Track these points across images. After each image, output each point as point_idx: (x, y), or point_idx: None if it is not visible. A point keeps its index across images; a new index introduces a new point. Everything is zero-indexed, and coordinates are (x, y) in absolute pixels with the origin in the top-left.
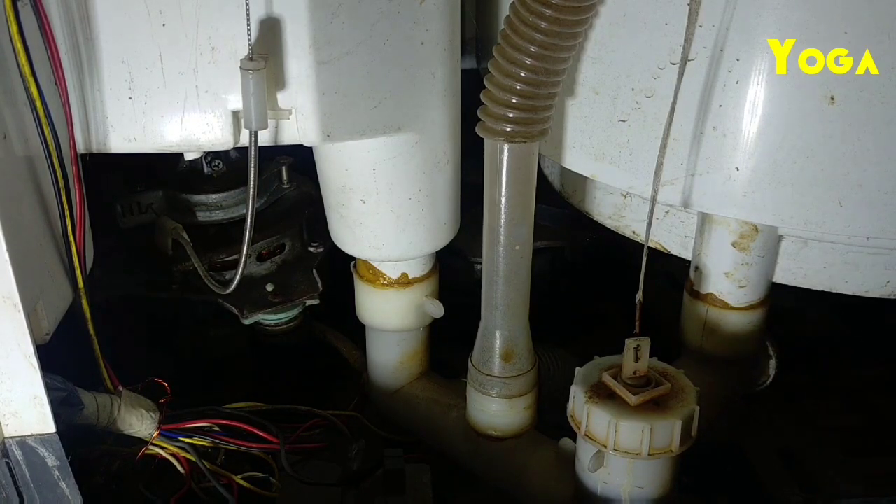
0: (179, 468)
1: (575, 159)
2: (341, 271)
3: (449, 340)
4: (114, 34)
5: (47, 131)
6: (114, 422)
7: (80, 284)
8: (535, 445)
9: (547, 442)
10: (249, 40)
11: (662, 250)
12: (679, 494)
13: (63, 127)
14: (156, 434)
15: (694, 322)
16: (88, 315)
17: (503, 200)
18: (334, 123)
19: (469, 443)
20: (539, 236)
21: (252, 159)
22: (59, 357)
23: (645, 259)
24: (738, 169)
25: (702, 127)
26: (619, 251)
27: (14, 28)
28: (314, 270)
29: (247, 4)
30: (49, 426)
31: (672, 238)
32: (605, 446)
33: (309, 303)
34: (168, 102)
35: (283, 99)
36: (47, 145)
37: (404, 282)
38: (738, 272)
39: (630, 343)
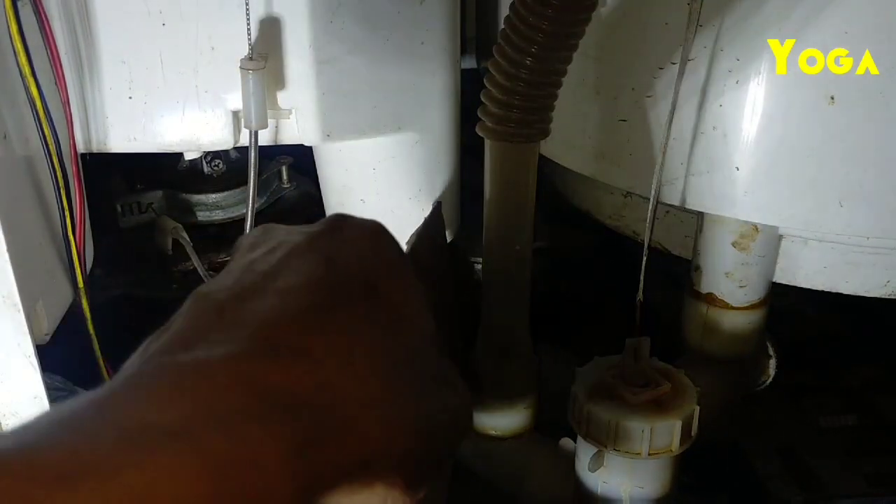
0: None
1: (575, 159)
2: None
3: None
4: (114, 34)
5: (47, 131)
6: None
7: (80, 284)
8: (535, 445)
9: (547, 442)
10: (249, 40)
11: (662, 250)
12: (679, 494)
13: (63, 127)
14: None
15: (694, 322)
16: (88, 315)
17: (503, 200)
18: (334, 123)
19: (469, 442)
20: (539, 236)
21: (252, 159)
22: (59, 357)
23: (645, 259)
24: (738, 169)
25: (702, 127)
26: (619, 251)
27: (14, 28)
28: None
29: (247, 4)
30: None
31: (672, 238)
32: (605, 446)
33: None
34: (168, 102)
35: (283, 99)
36: (47, 145)
37: None
38: (738, 272)
39: (630, 343)
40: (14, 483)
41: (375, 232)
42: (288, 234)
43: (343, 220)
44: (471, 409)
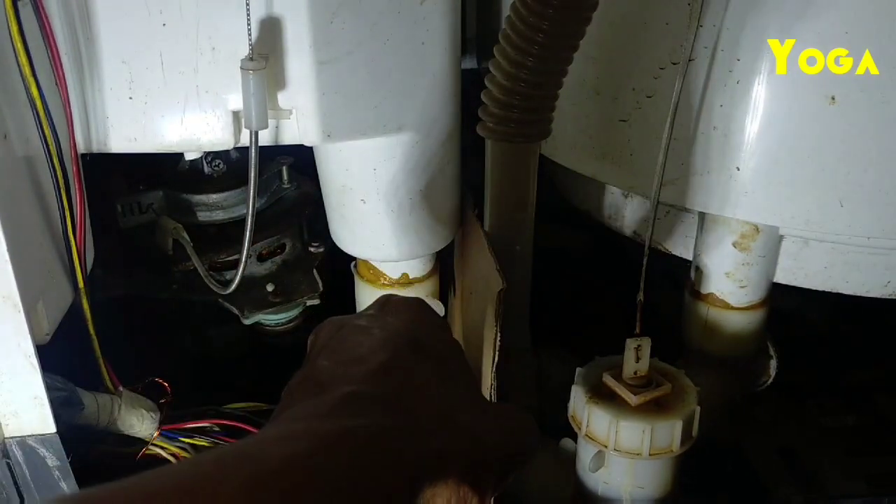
0: None
1: (575, 159)
2: (341, 271)
3: None
4: (114, 34)
5: (48, 131)
6: (114, 422)
7: (81, 284)
8: None
9: (547, 442)
10: (250, 40)
11: (663, 250)
12: (680, 494)
13: (63, 127)
14: (156, 434)
15: (694, 322)
16: (88, 315)
17: (503, 200)
18: (335, 123)
19: None
20: (539, 236)
21: (252, 159)
22: (59, 357)
23: (645, 259)
24: (738, 169)
25: (702, 127)
26: (619, 251)
27: (14, 28)
28: (314, 270)
29: (247, 4)
30: (49, 426)
31: (672, 238)
32: (606, 446)
33: (309, 303)
34: (168, 102)
35: (283, 99)
36: (47, 145)
37: (405, 282)
38: (738, 272)
39: (630, 343)
40: None
41: (417, 304)
42: (349, 320)
43: (388, 298)
44: (526, 436)
